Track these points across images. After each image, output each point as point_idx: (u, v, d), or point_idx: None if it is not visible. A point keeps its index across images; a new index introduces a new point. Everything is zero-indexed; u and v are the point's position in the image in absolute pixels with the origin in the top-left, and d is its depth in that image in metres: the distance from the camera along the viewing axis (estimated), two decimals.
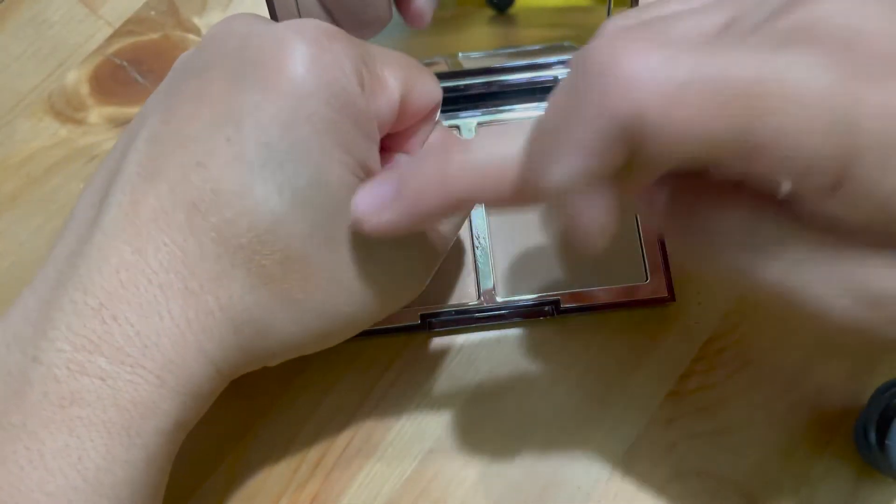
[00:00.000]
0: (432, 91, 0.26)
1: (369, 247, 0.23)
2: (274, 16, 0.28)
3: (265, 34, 0.22)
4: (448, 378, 0.30)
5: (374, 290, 0.24)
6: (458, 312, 0.31)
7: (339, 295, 0.23)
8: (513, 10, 0.31)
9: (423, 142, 0.27)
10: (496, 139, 0.19)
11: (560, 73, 0.33)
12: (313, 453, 0.29)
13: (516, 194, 0.19)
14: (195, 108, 0.22)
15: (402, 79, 0.24)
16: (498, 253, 0.31)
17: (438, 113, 0.27)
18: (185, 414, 0.22)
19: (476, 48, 0.33)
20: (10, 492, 0.20)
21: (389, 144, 0.26)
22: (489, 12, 0.31)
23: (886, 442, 0.24)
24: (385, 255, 0.24)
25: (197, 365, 0.22)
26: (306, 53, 0.22)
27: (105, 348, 0.21)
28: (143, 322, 0.21)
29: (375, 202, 0.21)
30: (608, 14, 0.31)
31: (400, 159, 0.26)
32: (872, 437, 0.26)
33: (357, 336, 0.28)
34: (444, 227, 0.26)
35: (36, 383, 0.20)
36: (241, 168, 0.21)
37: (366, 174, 0.23)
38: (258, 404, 0.30)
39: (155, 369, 0.21)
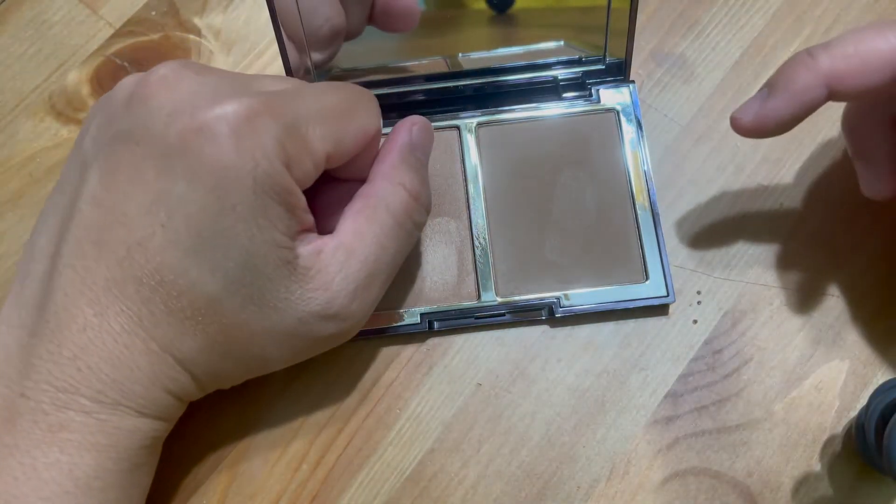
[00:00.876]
0: (366, 127, 0.26)
1: (300, 303, 0.24)
2: (274, 15, 0.28)
3: (187, 118, 0.22)
4: (448, 378, 0.30)
5: (309, 336, 0.25)
6: (458, 312, 0.31)
7: (275, 345, 0.25)
8: (513, 10, 0.31)
9: (370, 161, 0.27)
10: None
11: (560, 73, 0.33)
12: (313, 453, 0.29)
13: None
14: (131, 187, 0.23)
15: (330, 134, 0.24)
16: (498, 253, 0.32)
17: (381, 138, 0.27)
18: (163, 430, 0.25)
19: (476, 48, 0.33)
20: (7, 498, 0.22)
21: (333, 171, 0.26)
22: (489, 12, 0.31)
23: (885, 442, 0.24)
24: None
25: (166, 400, 0.24)
26: (227, 144, 0.22)
27: (84, 391, 0.23)
28: (117, 372, 0.23)
29: (753, 109, 0.26)
30: (608, 14, 0.31)
31: None
32: (872, 436, 0.26)
33: (357, 336, 0.28)
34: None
35: (25, 414, 0.22)
36: (176, 253, 0.23)
37: (294, 236, 0.24)
38: (258, 404, 0.30)
39: (134, 406, 0.23)
